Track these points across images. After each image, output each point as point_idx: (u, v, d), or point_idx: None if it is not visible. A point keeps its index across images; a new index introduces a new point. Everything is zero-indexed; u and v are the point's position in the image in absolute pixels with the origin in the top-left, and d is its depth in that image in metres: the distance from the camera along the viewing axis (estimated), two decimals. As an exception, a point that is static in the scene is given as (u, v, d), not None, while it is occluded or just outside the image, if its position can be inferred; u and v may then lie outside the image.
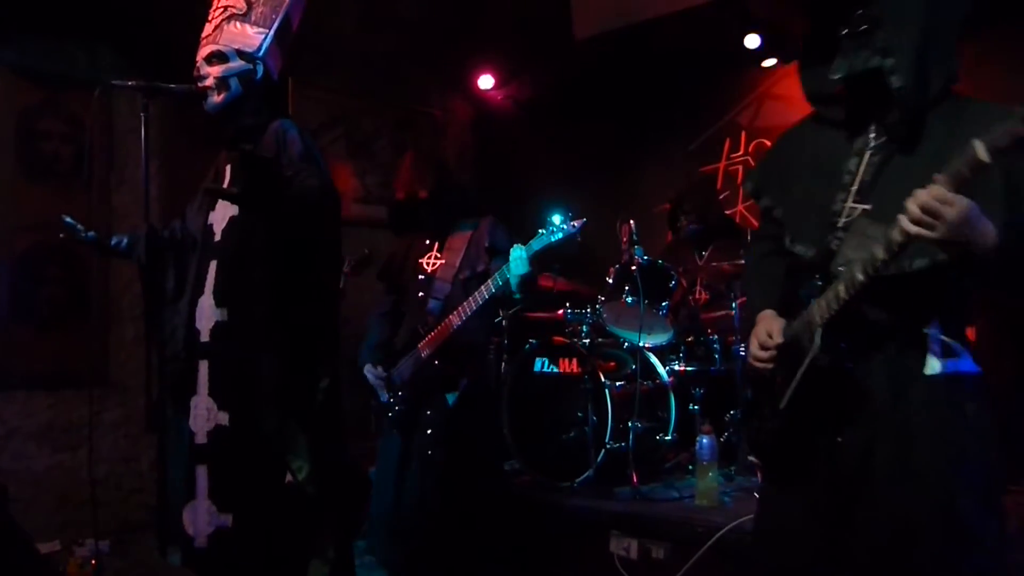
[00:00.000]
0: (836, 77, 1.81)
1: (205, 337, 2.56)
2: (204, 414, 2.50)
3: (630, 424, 3.88)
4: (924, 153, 1.75)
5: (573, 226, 3.17)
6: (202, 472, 2.50)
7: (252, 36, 2.60)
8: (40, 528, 3.89)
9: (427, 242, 3.64)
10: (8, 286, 4.39)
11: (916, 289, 1.71)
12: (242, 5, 2.59)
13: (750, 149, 5.65)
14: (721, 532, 3.10)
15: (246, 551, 2.44)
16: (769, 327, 1.93)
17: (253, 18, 2.60)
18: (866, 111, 1.84)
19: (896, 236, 1.59)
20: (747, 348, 2.02)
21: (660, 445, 4.11)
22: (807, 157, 1.97)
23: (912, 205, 1.53)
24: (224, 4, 2.63)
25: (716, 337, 4.33)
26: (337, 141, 5.79)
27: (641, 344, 4.10)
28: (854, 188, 1.83)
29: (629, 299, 4.16)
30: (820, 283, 1.83)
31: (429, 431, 3.38)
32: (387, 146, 6.08)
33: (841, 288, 1.73)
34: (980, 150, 1.45)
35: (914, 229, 1.53)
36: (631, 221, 4.29)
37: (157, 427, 2.93)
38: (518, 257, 3.19)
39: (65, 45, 4.56)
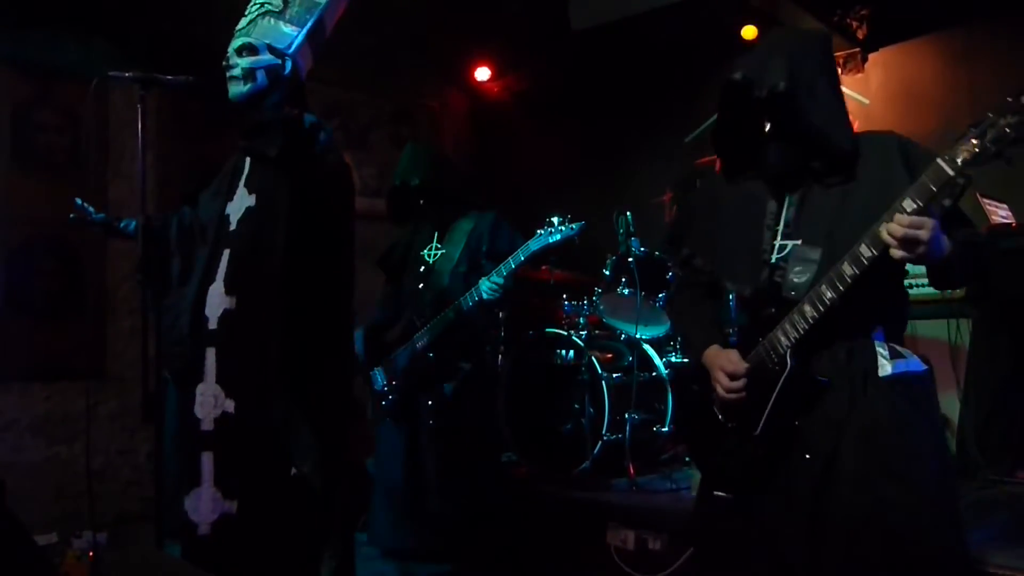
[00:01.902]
0: (778, 166, 2.01)
1: (213, 325, 2.56)
2: (211, 401, 2.51)
3: (627, 416, 3.89)
4: (833, 186, 1.97)
5: (571, 228, 3.19)
6: (207, 459, 2.50)
7: (285, 33, 2.63)
8: (37, 520, 3.89)
9: (427, 233, 3.65)
10: (4, 278, 4.38)
11: (860, 300, 1.85)
12: (278, 2, 2.62)
13: (747, 141, 5.63)
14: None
15: (250, 538, 2.44)
16: (728, 358, 2.04)
17: (288, 16, 2.63)
18: (781, 170, 2.03)
19: (867, 252, 1.77)
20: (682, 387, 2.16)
21: (657, 436, 4.12)
22: (728, 209, 2.15)
23: (889, 237, 1.70)
24: (261, 0, 2.66)
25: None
26: (333, 133, 5.78)
27: (638, 336, 4.11)
28: (780, 228, 2.02)
29: (626, 291, 4.17)
30: (774, 311, 1.96)
31: (431, 421, 3.40)
32: (383, 138, 6.07)
33: (807, 308, 1.88)
34: (947, 168, 1.64)
35: (899, 255, 1.71)
36: (628, 212, 4.29)
37: (154, 418, 2.93)
38: (490, 288, 3.22)
39: (59, 37, 4.54)
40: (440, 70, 6.33)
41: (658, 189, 5.15)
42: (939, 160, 1.64)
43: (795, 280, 1.93)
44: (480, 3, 5.42)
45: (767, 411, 1.94)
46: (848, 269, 1.80)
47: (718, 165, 2.24)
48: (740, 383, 2.00)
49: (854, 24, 4.81)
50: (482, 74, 6.37)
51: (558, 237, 3.20)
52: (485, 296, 3.28)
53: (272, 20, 2.61)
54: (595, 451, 3.87)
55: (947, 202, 1.74)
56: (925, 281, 3.91)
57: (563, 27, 4.94)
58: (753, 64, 1.99)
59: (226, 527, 2.45)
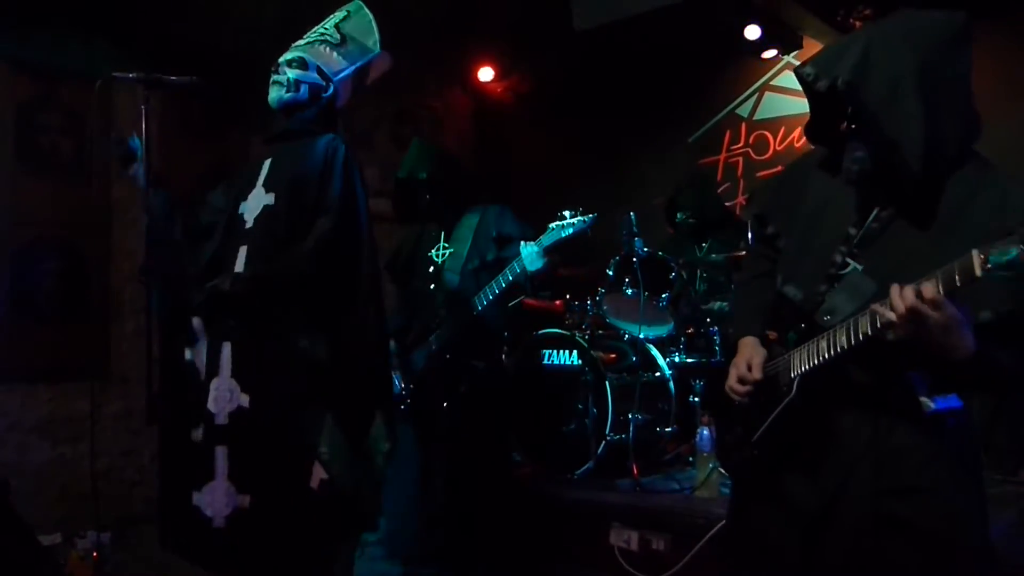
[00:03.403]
0: (854, 171, 1.78)
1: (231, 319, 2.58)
2: (226, 396, 2.51)
3: (630, 416, 3.89)
4: (929, 222, 1.71)
5: (584, 220, 3.20)
6: (221, 453, 2.51)
7: (337, 62, 2.85)
8: (41, 521, 3.90)
9: (433, 233, 3.65)
10: (8, 280, 4.39)
11: (898, 348, 1.64)
12: (338, 37, 2.87)
13: (751, 141, 5.64)
14: (721, 523, 3.10)
15: (265, 532, 2.45)
16: (750, 358, 1.95)
17: (343, 51, 2.87)
18: (877, 178, 1.78)
19: (882, 318, 1.57)
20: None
21: (660, 437, 4.12)
22: (814, 200, 1.95)
23: (900, 302, 1.51)
24: (323, 30, 2.88)
25: (716, 329, 4.34)
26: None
27: (641, 336, 4.10)
28: (855, 242, 1.82)
29: (629, 291, 4.16)
30: (804, 327, 1.85)
31: (448, 424, 3.40)
32: (386, 139, 6.08)
33: (824, 346, 1.75)
34: (977, 265, 1.41)
35: (899, 326, 1.53)
36: (631, 213, 4.29)
37: (158, 420, 2.94)
38: (531, 253, 3.23)
39: (63, 37, 4.55)
40: (443, 70, 6.33)
41: (661, 189, 5.15)
42: (974, 252, 1.41)
43: (835, 306, 1.78)
44: (483, 4, 5.42)
45: (764, 426, 1.90)
46: (865, 326, 1.64)
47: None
48: (745, 389, 1.94)
49: (857, 24, 4.80)
50: (485, 74, 6.38)
51: (571, 231, 3.22)
52: (528, 267, 3.26)
53: (328, 49, 2.84)
54: (599, 451, 3.87)
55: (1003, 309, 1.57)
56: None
57: (566, 27, 4.94)
58: (831, 53, 1.80)
59: (239, 521, 2.46)
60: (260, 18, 4.42)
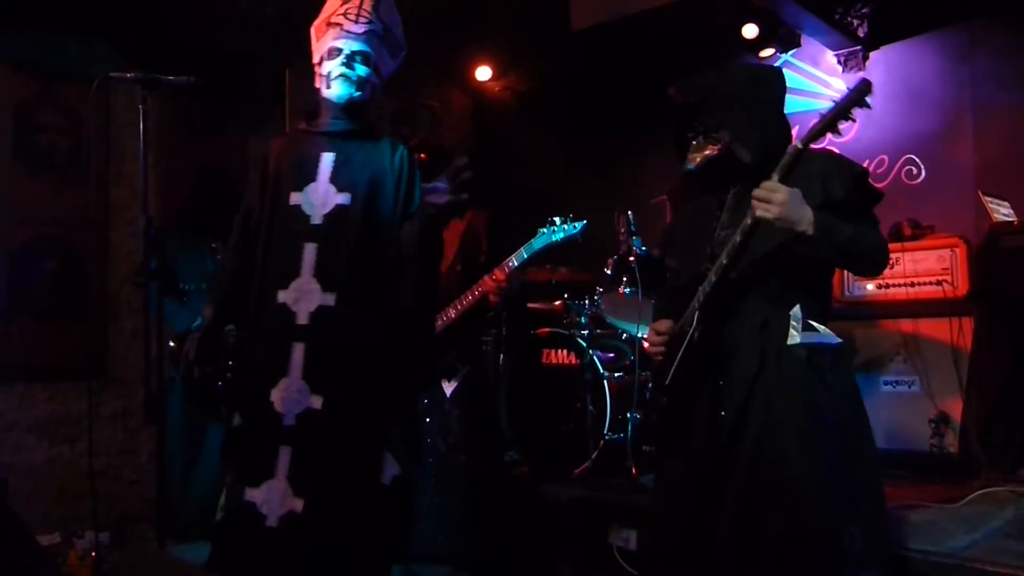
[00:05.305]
0: (692, 168, 2.35)
1: (304, 320, 2.52)
2: (296, 396, 2.48)
3: (629, 415, 3.89)
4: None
5: (574, 227, 3.22)
6: (285, 453, 2.48)
7: (386, 60, 2.73)
8: (39, 521, 3.90)
9: None
10: (6, 279, 4.39)
11: (778, 276, 2.17)
12: (382, 28, 2.66)
13: (748, 140, 5.64)
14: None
15: (318, 537, 2.43)
16: (660, 322, 2.40)
17: (387, 47, 2.71)
18: (725, 177, 2.33)
19: (747, 221, 2.07)
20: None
21: (659, 436, 4.12)
22: (692, 218, 2.50)
23: (752, 195, 2.03)
24: (368, 16, 2.63)
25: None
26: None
27: (639, 335, 4.10)
28: (724, 219, 2.30)
29: (627, 290, 4.16)
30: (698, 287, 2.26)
31: (428, 420, 3.40)
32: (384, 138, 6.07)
33: (712, 275, 2.17)
34: (799, 142, 2.00)
35: (757, 213, 2.02)
36: (629, 212, 4.28)
37: (156, 419, 2.93)
38: (494, 285, 3.31)
39: (60, 37, 4.55)
40: (441, 70, 6.32)
41: (659, 189, 5.14)
42: (796, 142, 2.02)
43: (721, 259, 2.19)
44: (481, 2, 5.42)
45: (675, 362, 2.24)
46: (738, 237, 2.09)
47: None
48: (660, 339, 2.35)
49: (855, 22, 4.80)
50: (483, 74, 6.36)
51: (560, 236, 3.24)
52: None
53: (379, 43, 2.67)
54: (597, 450, 3.87)
55: (840, 192, 2.12)
56: (926, 280, 3.94)
57: (564, 26, 4.94)
58: (691, 82, 2.44)
59: (291, 523, 2.43)
60: (259, 18, 4.43)
